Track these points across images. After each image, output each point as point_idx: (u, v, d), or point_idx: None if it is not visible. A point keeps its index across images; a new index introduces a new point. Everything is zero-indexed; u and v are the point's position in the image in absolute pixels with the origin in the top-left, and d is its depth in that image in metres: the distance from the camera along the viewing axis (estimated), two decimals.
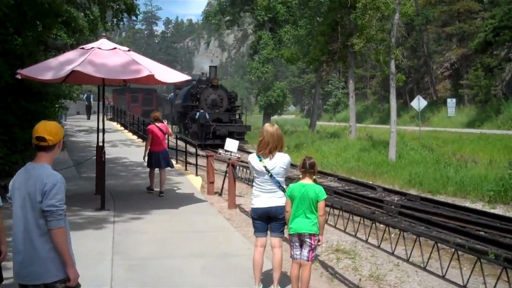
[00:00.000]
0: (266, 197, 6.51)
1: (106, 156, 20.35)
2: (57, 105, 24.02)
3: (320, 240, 6.33)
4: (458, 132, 34.98)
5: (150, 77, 10.82)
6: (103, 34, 12.17)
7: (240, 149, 21.29)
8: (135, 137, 27.04)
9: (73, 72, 10.59)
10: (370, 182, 18.67)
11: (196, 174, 17.11)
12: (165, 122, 14.70)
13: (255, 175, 6.60)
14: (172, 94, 40.97)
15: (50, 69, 10.80)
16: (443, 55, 54.42)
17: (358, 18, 24.41)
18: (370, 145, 25.70)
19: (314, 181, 6.30)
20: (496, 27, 37.10)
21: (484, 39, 38.24)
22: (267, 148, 6.45)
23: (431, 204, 14.28)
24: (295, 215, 6.21)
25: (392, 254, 6.46)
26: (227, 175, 13.49)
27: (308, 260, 6.24)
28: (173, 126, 34.48)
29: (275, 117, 50.74)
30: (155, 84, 12.78)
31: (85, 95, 47.10)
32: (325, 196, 6.25)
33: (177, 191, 14.52)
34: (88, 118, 40.82)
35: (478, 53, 43.45)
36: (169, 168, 14.45)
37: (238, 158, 14.03)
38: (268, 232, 6.64)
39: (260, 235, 6.64)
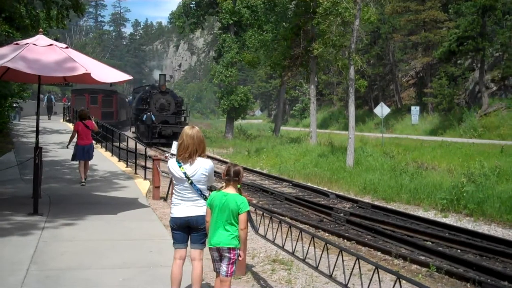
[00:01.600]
0: (186, 205, 6.02)
1: (54, 158, 20.01)
2: (6, 105, 23.28)
3: (241, 256, 5.86)
4: (420, 139, 35.11)
5: (88, 76, 10.25)
6: (40, 30, 11.44)
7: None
8: None
9: (9, 69, 9.98)
10: (325, 189, 18.35)
11: (145, 178, 16.52)
12: (92, 119, 15.57)
13: (174, 182, 6.10)
14: (131, 97, 44.09)
15: None
16: (408, 63, 54.82)
17: (320, 23, 24.12)
18: (329, 151, 25.41)
19: (239, 190, 5.82)
20: (460, 37, 37.27)
21: (448, 48, 38.39)
22: (187, 152, 5.95)
23: (382, 212, 13.99)
24: (214, 227, 5.73)
25: (316, 268, 5.96)
26: None
27: (227, 276, 5.76)
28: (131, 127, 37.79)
29: (240, 121, 50.36)
30: (95, 84, 12.22)
31: (46, 96, 46.64)
32: (248, 209, 5.78)
33: (120, 196, 13.90)
34: (49, 119, 40.59)
35: (442, 62, 43.75)
36: (119, 171, 15.60)
37: None
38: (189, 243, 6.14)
39: (179, 247, 6.13)
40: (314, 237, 5.93)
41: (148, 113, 34.48)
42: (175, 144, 13.82)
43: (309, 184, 19.60)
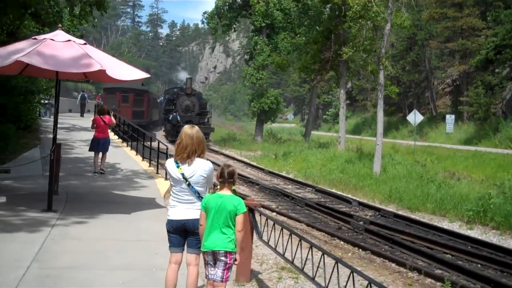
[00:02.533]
0: (183, 208, 5.79)
1: (78, 156, 20.08)
2: (35, 101, 23.52)
3: (237, 259, 5.61)
4: (454, 148, 34.37)
5: (104, 73, 10.16)
6: (59, 26, 11.37)
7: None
8: (115, 137, 26.33)
9: (28, 64, 9.97)
10: (349, 196, 17.94)
11: (166, 178, 16.38)
12: (111, 115, 16.95)
13: (172, 183, 5.88)
14: (162, 98, 47.17)
15: None
16: (445, 71, 53.71)
17: (351, 27, 23.72)
18: (356, 157, 24.95)
19: (233, 192, 5.57)
20: (497, 45, 36.43)
21: (485, 56, 37.56)
22: (185, 152, 5.72)
23: (404, 222, 13.54)
24: (210, 230, 5.49)
25: (313, 279, 5.66)
26: None
27: (222, 281, 5.53)
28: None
29: (271, 124, 50.10)
30: (113, 82, 12.16)
31: (79, 94, 47.57)
32: (245, 210, 5.55)
33: (138, 195, 13.79)
34: (82, 116, 41.30)
35: (479, 70, 42.79)
36: (141, 171, 15.96)
37: None
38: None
39: (175, 250, 5.92)
40: (312, 246, 5.61)
41: (174, 114, 38.06)
42: None
43: (333, 190, 19.24)
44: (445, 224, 14.23)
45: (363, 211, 15.05)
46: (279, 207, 15.14)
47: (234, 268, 7.66)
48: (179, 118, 37.51)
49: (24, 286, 6.51)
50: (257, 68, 38.24)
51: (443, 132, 45.35)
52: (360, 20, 22.01)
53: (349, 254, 9.98)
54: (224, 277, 5.52)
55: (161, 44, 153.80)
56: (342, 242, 10.92)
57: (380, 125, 21.87)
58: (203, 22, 43.24)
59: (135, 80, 11.63)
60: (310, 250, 5.64)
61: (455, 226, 14.02)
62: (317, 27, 33.48)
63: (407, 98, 57.43)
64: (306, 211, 14.58)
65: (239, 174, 20.85)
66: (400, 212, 15.37)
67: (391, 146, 35.90)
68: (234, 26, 42.87)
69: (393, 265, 9.33)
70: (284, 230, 7.39)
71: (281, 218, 13.35)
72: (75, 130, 27.88)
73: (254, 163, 27.42)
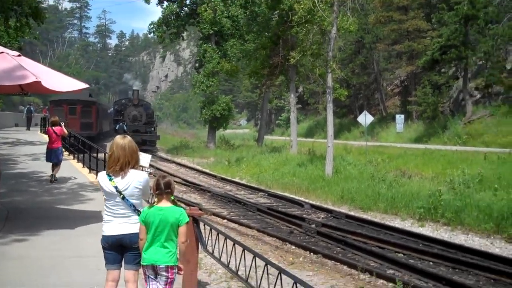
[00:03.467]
0: (118, 222, 5.46)
1: (22, 171, 19.35)
2: None
3: (181, 269, 5.34)
4: (404, 147, 34.87)
5: (41, 85, 9.70)
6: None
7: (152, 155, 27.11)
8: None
9: None
10: (302, 198, 17.82)
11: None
12: (62, 125, 17.08)
13: (105, 197, 5.53)
14: (112, 109, 47.99)
15: None
16: (393, 72, 54.67)
17: (299, 32, 23.69)
18: (308, 160, 24.92)
19: (173, 202, 5.28)
20: (443, 46, 37.15)
21: (431, 57, 38.27)
22: (118, 164, 5.39)
23: (356, 222, 13.48)
24: (150, 244, 5.19)
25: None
26: None
27: None
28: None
29: (225, 131, 49.90)
30: (51, 93, 11.71)
31: (26, 107, 46.76)
32: (187, 220, 5.27)
33: (84, 209, 13.27)
34: (28, 129, 40.99)
35: (426, 70, 43.67)
36: (87, 183, 15.65)
37: (151, 173, 12.95)
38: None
39: (112, 268, 5.56)
40: (256, 256, 5.37)
41: (120, 124, 39.57)
42: (140, 155, 13.27)
43: (286, 194, 19.09)
44: (397, 223, 14.24)
45: (315, 214, 14.94)
46: (231, 213, 14.88)
47: (180, 280, 7.38)
48: (125, 128, 38.49)
49: None
50: (207, 75, 37.87)
51: (393, 131, 46.09)
52: (306, 25, 22.00)
53: (301, 259, 9.80)
54: None
55: (110, 54, 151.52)
56: (293, 247, 10.74)
57: (330, 127, 21.88)
58: (149, 32, 42.64)
59: (73, 91, 11.19)
60: (254, 260, 5.40)
61: (407, 224, 14.05)
62: (266, 33, 33.42)
63: (358, 100, 58.16)
64: (258, 217, 14.37)
65: (191, 182, 20.52)
66: (352, 213, 15.33)
67: (344, 148, 36.19)
68: (183, 34, 42.44)
69: (345, 267, 9.19)
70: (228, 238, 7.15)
71: (232, 225, 13.09)
72: (19, 144, 26.99)
73: (207, 170, 27.08)
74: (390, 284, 8.23)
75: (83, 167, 20.61)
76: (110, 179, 5.40)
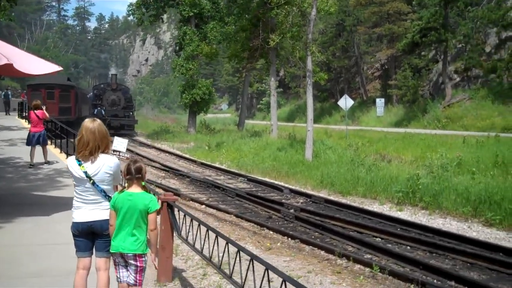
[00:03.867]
0: (88, 209, 5.31)
1: None
2: None
3: (153, 259, 5.23)
4: (384, 131, 35.02)
5: (12, 67, 9.45)
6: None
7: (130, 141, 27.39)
8: None
9: None
10: (281, 183, 17.76)
11: None
12: (44, 109, 17.20)
13: (74, 182, 5.38)
14: (91, 93, 47.76)
15: None
16: (373, 55, 54.69)
17: (279, 14, 23.48)
18: (288, 144, 24.86)
19: (144, 188, 5.16)
20: (423, 28, 37.19)
21: (411, 40, 38.31)
22: (87, 149, 5.23)
23: (335, 207, 13.45)
24: (119, 230, 5.08)
25: (230, 277, 5.34)
26: None
27: (135, 284, 5.13)
28: None
29: (207, 115, 49.72)
30: (24, 76, 11.46)
31: (3, 92, 46.40)
32: (158, 207, 5.16)
33: (60, 195, 13.06)
34: (7, 114, 41.12)
35: (406, 54, 43.70)
36: (64, 169, 15.23)
37: (127, 158, 12.77)
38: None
39: (83, 255, 5.42)
40: (229, 242, 5.27)
41: (98, 108, 40.69)
42: (116, 139, 13.05)
43: (266, 178, 19.02)
44: (375, 207, 14.24)
45: (294, 198, 14.88)
46: (210, 199, 14.77)
47: (154, 268, 7.29)
48: (103, 112, 39.84)
49: None
50: (186, 58, 37.46)
51: (374, 115, 46.24)
52: (286, 6, 21.79)
53: (278, 244, 9.74)
54: (138, 280, 5.15)
55: (89, 38, 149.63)
56: (271, 232, 10.67)
57: (310, 111, 21.80)
58: (128, 15, 42.17)
59: (47, 74, 10.96)
60: (226, 246, 5.31)
61: (386, 208, 14.05)
62: (246, 15, 33.12)
63: (339, 83, 58.16)
64: (237, 202, 14.27)
65: (170, 167, 20.31)
66: (331, 197, 15.29)
67: (324, 132, 36.23)
68: (162, 17, 41.85)
69: (322, 252, 9.14)
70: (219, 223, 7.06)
71: (211, 210, 13.00)
72: None
73: (187, 155, 26.91)
74: (367, 269, 8.20)
75: (61, 152, 20.36)
76: (80, 164, 5.25)
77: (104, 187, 5.31)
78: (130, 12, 40.43)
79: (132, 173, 5.10)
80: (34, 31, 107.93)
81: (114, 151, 12.75)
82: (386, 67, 51.25)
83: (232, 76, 77.78)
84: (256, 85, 69.75)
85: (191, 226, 6.49)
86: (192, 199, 14.19)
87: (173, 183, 17.74)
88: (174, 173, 19.63)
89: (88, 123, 5.37)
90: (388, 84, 47.47)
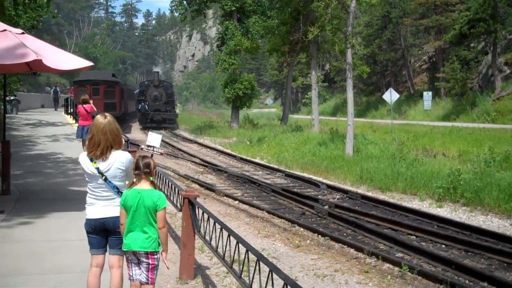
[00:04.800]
0: (101, 205, 5.25)
1: (40, 152, 19.42)
2: None
3: (164, 258, 5.11)
4: (431, 125, 34.22)
5: (41, 63, 9.53)
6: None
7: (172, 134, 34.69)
8: None
9: None
10: (320, 179, 17.50)
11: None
12: (91, 103, 18.30)
13: (87, 179, 5.31)
14: (138, 90, 50.87)
15: None
16: (421, 48, 53.44)
17: (319, 6, 23.10)
18: (329, 139, 24.50)
19: (152, 184, 5.04)
20: (471, 19, 36.04)
21: (459, 31, 37.17)
22: (98, 149, 5.14)
23: (372, 203, 13.11)
24: (130, 228, 4.99)
25: (239, 278, 5.17)
26: None
27: (148, 282, 5.05)
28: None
29: (252, 110, 49.84)
30: (53, 72, 11.55)
31: (52, 88, 47.79)
32: (166, 205, 5.04)
33: None
34: (56, 110, 42.52)
35: (454, 46, 42.49)
36: None
37: (161, 153, 12.76)
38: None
39: (96, 252, 5.38)
40: (239, 242, 5.10)
41: (142, 103, 43.67)
42: (150, 135, 13.04)
43: (305, 174, 18.78)
44: (415, 203, 13.84)
45: (330, 194, 14.61)
46: (245, 194, 14.65)
47: (178, 263, 7.19)
48: (147, 107, 43.01)
49: None
50: (228, 53, 37.46)
51: (421, 109, 45.23)
52: None
53: (308, 241, 9.52)
54: (150, 278, 5.06)
55: (137, 34, 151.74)
56: (302, 229, 10.46)
57: (350, 105, 21.39)
58: (171, 11, 42.51)
59: (77, 69, 11.02)
60: (237, 246, 5.14)
61: (425, 205, 13.63)
62: (289, 9, 32.82)
63: (385, 77, 57.16)
64: (272, 198, 14.10)
65: (209, 162, 20.31)
66: (370, 193, 14.96)
67: (369, 126, 35.69)
68: (205, 11, 41.98)
69: (352, 250, 8.88)
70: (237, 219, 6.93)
71: (244, 206, 12.87)
72: (41, 125, 27.16)
73: (228, 150, 26.87)
74: (396, 268, 7.90)
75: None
76: (91, 160, 5.18)
77: (117, 183, 5.24)
78: (173, 7, 40.71)
79: (141, 168, 4.99)
80: (82, 28, 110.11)
81: (148, 146, 12.78)
82: (434, 59, 50.00)
83: (277, 71, 77.46)
84: (301, 79, 69.24)
85: (208, 223, 6.35)
86: (226, 195, 14.10)
87: (210, 178, 17.70)
88: (212, 168, 19.60)
89: (99, 119, 5.29)
90: (435, 77, 46.28)
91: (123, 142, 5.57)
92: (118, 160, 5.20)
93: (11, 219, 9.91)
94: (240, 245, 5.14)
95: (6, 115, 29.58)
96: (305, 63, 39.97)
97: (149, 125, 41.88)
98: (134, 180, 5.11)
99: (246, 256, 4.89)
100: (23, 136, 22.99)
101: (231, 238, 5.35)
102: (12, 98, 32.70)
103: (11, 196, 12.17)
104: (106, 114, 5.44)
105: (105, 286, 5.39)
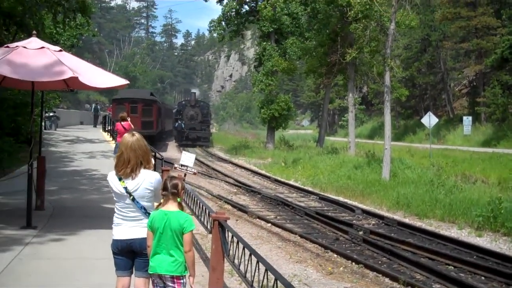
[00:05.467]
0: (128, 226, 5.14)
1: (76, 168, 19.60)
2: (35, 114, 23.16)
3: (191, 282, 4.94)
4: (471, 150, 33.42)
5: (77, 80, 9.60)
6: (33, 32, 10.81)
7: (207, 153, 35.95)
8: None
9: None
10: (355, 203, 17.15)
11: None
12: (129, 120, 19.06)
13: (115, 198, 5.21)
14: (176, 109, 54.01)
15: None
16: (461, 71, 52.57)
17: (356, 28, 22.93)
18: (365, 163, 24.11)
19: (180, 205, 4.90)
20: None
21: (500, 55, 36.51)
22: (128, 167, 5.05)
23: (408, 230, 12.72)
24: (156, 251, 4.84)
25: None
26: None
27: None
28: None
29: (287, 131, 49.69)
30: (89, 89, 11.67)
31: (93, 106, 48.99)
32: (193, 227, 4.87)
33: None
34: (95, 126, 43.33)
35: (495, 70, 41.66)
36: None
37: (194, 173, 12.69)
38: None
39: (122, 274, 5.26)
40: (268, 269, 4.90)
41: (179, 122, 47.37)
42: (184, 154, 12.99)
43: (340, 197, 18.45)
44: (453, 232, 13.40)
45: (366, 220, 14.27)
46: (277, 217, 14.43)
47: (207, 287, 7.00)
48: (183, 126, 46.48)
49: None
50: (266, 74, 37.50)
51: (460, 134, 44.34)
52: (364, 20, 21.21)
53: (341, 268, 9.23)
54: None
55: (176, 54, 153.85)
56: (335, 255, 10.17)
57: (387, 128, 21.03)
58: (210, 31, 42.96)
59: (113, 88, 11.05)
60: (266, 273, 4.94)
61: (464, 233, 13.18)
62: (326, 30, 32.74)
63: (423, 100, 56.37)
64: (305, 221, 13.85)
65: (243, 183, 20.17)
66: (406, 220, 14.56)
67: (407, 150, 35.09)
68: (243, 32, 42.25)
69: (387, 280, 8.56)
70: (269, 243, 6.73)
71: (276, 229, 12.63)
72: (78, 142, 27.49)
73: (263, 171, 26.72)
74: None
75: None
76: (120, 179, 5.09)
77: (144, 203, 5.13)
78: (212, 28, 41.09)
79: (168, 189, 4.86)
80: (122, 47, 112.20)
81: (182, 165, 12.72)
82: (474, 83, 49.09)
83: (314, 92, 77.26)
84: (338, 101, 68.86)
85: (238, 248, 6.17)
86: (259, 217, 13.90)
87: (243, 199, 17.54)
88: (246, 189, 19.45)
89: (128, 137, 5.20)
90: (476, 102, 45.35)
91: (152, 160, 5.46)
92: (147, 180, 5.10)
93: (43, 235, 9.90)
94: (269, 272, 4.93)
95: (45, 131, 30.15)
96: (342, 85, 39.81)
97: (184, 142, 45.43)
98: (161, 201, 4.99)
99: (275, 284, 4.68)
100: (61, 152, 23.28)
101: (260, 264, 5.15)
102: (51, 114, 33.34)
103: (45, 211, 12.22)
104: (134, 132, 5.36)
105: None
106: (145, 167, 5.16)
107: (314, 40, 34.59)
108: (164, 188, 4.88)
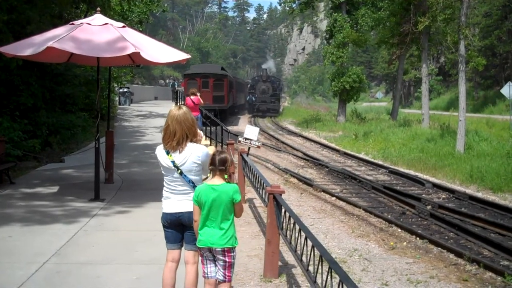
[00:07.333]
0: (176, 200, 5.16)
1: (147, 142, 20.05)
2: (105, 92, 23.83)
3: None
4: None
5: (139, 55, 9.71)
6: (98, 9, 10.99)
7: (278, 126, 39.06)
8: None
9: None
10: (426, 177, 16.63)
11: None
12: (198, 95, 19.54)
13: (163, 172, 5.24)
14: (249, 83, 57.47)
15: (32, 45, 9.98)
16: None
17: None
18: (439, 135, 23.30)
19: (226, 181, 4.85)
20: None
21: None
22: (175, 139, 5.07)
23: (480, 204, 12.18)
24: (205, 225, 4.83)
25: (314, 282, 4.84)
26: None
27: (225, 280, 4.88)
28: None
29: (361, 104, 48.87)
30: (152, 64, 11.74)
31: (170, 82, 50.95)
32: (240, 198, 4.85)
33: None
34: (173, 101, 43.92)
35: None
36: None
37: (258, 146, 12.68)
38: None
39: (172, 247, 5.29)
40: (314, 246, 4.77)
41: (251, 96, 52.78)
42: (248, 128, 12.96)
43: (410, 171, 17.93)
44: None
45: (435, 194, 13.78)
46: (343, 190, 14.19)
47: (263, 261, 6.97)
48: (254, 99, 51.60)
49: (29, 286, 6.12)
50: (337, 46, 36.77)
51: None
52: None
53: (404, 244, 8.95)
54: (227, 276, 4.88)
55: (248, 28, 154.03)
56: (399, 230, 9.87)
57: (462, 99, 20.18)
58: (280, 3, 42.61)
59: (175, 62, 11.12)
60: (313, 249, 4.82)
61: None
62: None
63: (504, 70, 53.78)
64: (371, 195, 13.53)
65: (311, 156, 19.97)
66: (479, 194, 13.98)
67: (486, 122, 33.72)
68: (313, 4, 41.40)
69: (451, 256, 8.21)
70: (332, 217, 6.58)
71: (340, 203, 12.43)
72: (151, 117, 28.12)
73: (332, 144, 26.38)
74: (499, 278, 7.19)
75: (206, 139, 20.91)
76: (168, 153, 5.10)
77: (192, 177, 5.12)
78: (283, 0, 40.65)
79: (216, 164, 4.82)
80: (195, 23, 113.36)
81: (246, 138, 12.72)
82: None
83: (387, 64, 75.31)
84: (413, 73, 66.80)
85: (290, 222, 6.08)
86: (324, 190, 13.71)
87: (310, 172, 17.37)
88: (313, 162, 19.25)
89: (174, 111, 5.21)
90: None
91: (200, 134, 5.43)
92: (194, 154, 5.08)
93: (109, 208, 10.21)
94: (312, 249, 4.84)
95: (119, 106, 31.01)
96: (417, 56, 38.49)
97: (255, 113, 50.76)
98: (209, 175, 4.96)
99: (321, 261, 4.57)
100: (133, 126, 23.90)
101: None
102: (125, 90, 34.21)
103: (114, 184, 12.58)
104: (181, 105, 5.35)
105: (180, 281, 5.28)
106: (191, 140, 5.14)
107: (387, 10, 33.52)
108: (212, 162, 4.85)
